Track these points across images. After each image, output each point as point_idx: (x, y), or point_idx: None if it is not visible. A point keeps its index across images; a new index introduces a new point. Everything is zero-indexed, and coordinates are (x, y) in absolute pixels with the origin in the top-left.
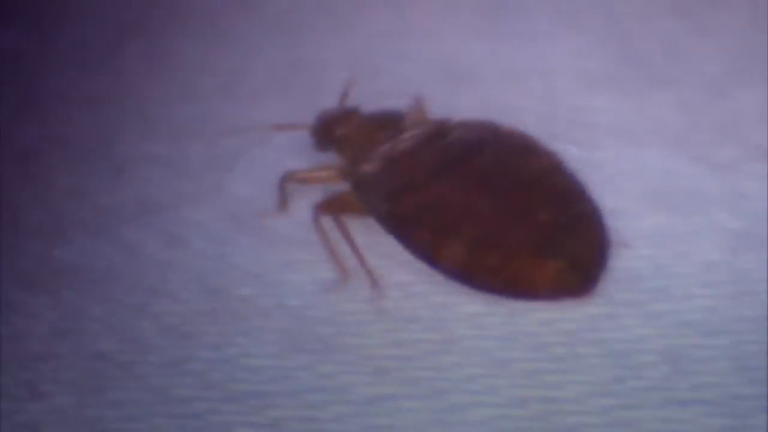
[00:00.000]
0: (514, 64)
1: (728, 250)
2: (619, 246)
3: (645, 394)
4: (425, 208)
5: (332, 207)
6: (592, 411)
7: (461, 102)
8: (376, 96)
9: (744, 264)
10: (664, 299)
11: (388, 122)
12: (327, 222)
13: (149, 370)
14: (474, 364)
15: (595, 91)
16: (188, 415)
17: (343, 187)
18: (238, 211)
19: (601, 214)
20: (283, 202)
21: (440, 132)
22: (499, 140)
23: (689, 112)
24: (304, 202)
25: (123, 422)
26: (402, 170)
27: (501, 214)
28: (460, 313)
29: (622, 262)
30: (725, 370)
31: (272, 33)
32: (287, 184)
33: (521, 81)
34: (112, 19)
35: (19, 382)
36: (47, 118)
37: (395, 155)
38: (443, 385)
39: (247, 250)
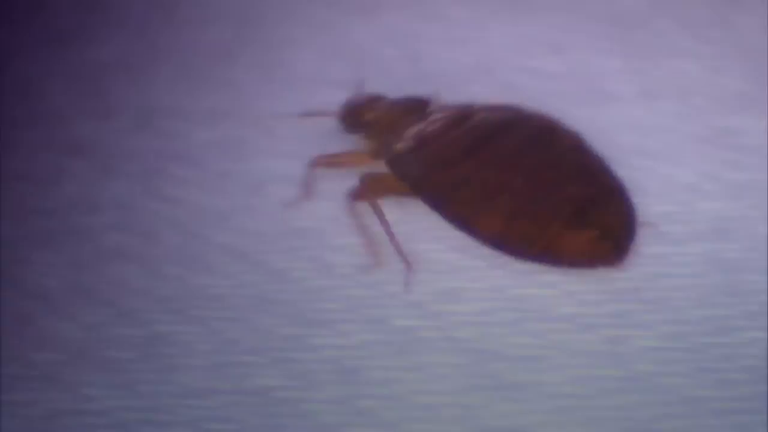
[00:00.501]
0: (650, 80)
1: None
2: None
3: None
4: (460, 183)
5: (369, 191)
6: None
7: (598, 120)
8: None
9: None
10: None
11: (415, 107)
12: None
13: (317, 407)
14: (661, 402)
15: (734, 111)
16: None
17: (370, 170)
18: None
19: (626, 189)
20: (309, 189)
21: (466, 114)
22: (523, 121)
23: None
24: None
25: None
26: (434, 149)
27: (532, 189)
28: (637, 347)
29: None
30: None
31: (391, 43)
32: (315, 169)
33: (658, 99)
34: (223, 27)
35: (182, 421)
36: (167, 132)
37: (426, 135)
38: (630, 425)
39: (402, 276)
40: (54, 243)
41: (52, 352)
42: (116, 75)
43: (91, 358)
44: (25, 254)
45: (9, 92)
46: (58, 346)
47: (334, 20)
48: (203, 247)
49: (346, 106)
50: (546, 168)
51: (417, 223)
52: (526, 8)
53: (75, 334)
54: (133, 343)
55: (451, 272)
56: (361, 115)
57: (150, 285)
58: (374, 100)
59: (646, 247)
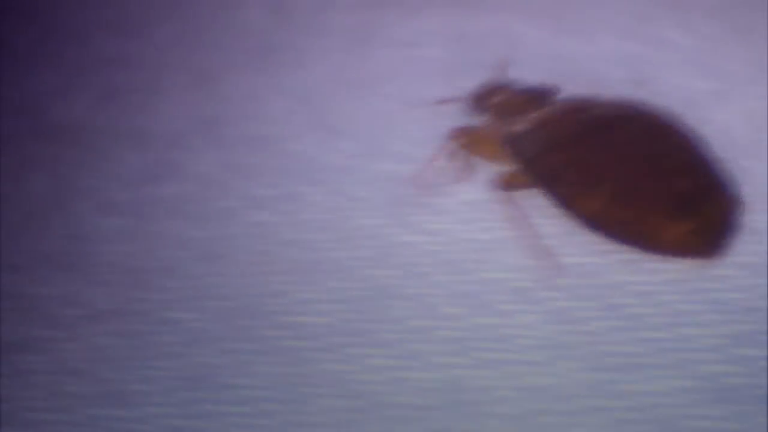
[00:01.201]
0: None
1: None
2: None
3: None
4: (569, 163)
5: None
6: None
7: None
8: None
9: None
10: None
11: (539, 95)
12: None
13: None
14: None
15: None
16: None
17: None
18: None
19: (731, 189)
20: (464, 166)
21: (586, 106)
22: (640, 116)
23: None
24: None
25: None
26: (548, 132)
27: (637, 177)
28: None
29: None
30: None
31: (615, 65)
32: (452, 143)
33: None
34: (437, 48)
35: None
36: (400, 156)
37: (544, 119)
38: None
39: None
40: (313, 278)
41: (340, 398)
42: (334, 94)
43: (388, 405)
44: (283, 289)
45: (232, 114)
46: (346, 392)
47: (555, 41)
48: (474, 284)
49: (475, 91)
50: (654, 160)
51: None
52: (750, 34)
53: (361, 377)
54: (431, 388)
55: (743, 313)
56: (488, 99)
57: (429, 325)
58: (502, 86)
59: None
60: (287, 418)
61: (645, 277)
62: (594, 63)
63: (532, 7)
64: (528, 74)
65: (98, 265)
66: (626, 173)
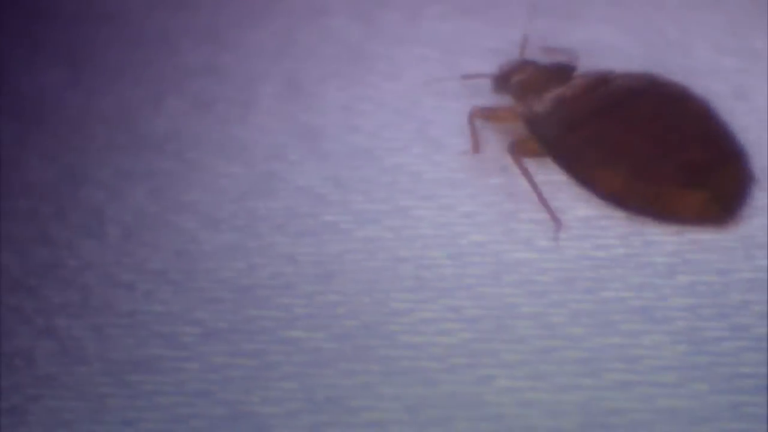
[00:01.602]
0: None
1: None
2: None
3: None
4: (588, 142)
5: (517, 154)
6: None
7: None
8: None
9: None
10: None
11: (559, 72)
12: None
13: None
14: None
15: None
16: None
17: (519, 128)
18: None
19: (745, 155)
20: (475, 139)
21: (603, 80)
22: (656, 88)
23: None
24: None
25: None
26: (568, 111)
27: (654, 151)
28: None
29: None
30: None
31: (711, 79)
32: (474, 119)
33: None
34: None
35: None
36: (498, 167)
37: (563, 98)
38: None
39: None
40: (430, 296)
41: (475, 421)
42: (431, 105)
43: (523, 429)
44: (401, 307)
45: (329, 126)
46: (479, 415)
47: (650, 55)
48: (593, 303)
49: (498, 69)
50: (669, 132)
51: None
52: None
53: (490, 399)
54: (563, 411)
55: None
56: (510, 78)
57: (552, 345)
58: (524, 65)
59: None
60: None
61: None
62: (691, 76)
63: (628, 20)
64: None
65: (211, 282)
66: (642, 147)
